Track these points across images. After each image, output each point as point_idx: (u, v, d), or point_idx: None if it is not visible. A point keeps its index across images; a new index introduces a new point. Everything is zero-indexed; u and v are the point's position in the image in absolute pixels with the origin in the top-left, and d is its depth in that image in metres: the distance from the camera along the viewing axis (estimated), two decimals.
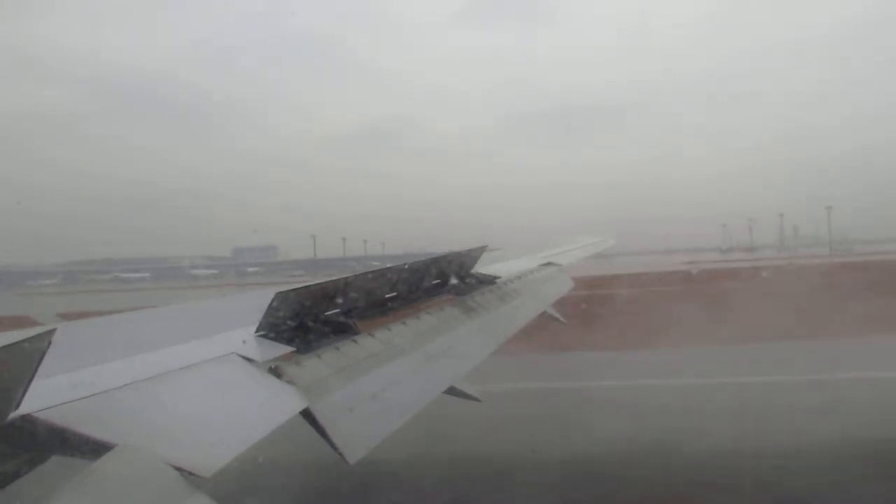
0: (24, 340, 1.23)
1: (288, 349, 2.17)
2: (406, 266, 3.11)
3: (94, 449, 1.30)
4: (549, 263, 6.01)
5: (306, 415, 1.86)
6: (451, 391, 2.78)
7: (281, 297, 2.17)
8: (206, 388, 1.77)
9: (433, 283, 3.58)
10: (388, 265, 3.02)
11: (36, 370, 1.28)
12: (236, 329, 2.15)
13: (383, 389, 2.26)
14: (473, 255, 3.95)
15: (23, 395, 1.29)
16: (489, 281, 4.12)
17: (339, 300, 2.55)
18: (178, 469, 1.33)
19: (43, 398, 1.36)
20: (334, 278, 2.55)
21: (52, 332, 1.29)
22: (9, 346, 1.19)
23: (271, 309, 2.15)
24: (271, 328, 2.19)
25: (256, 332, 2.15)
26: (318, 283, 2.45)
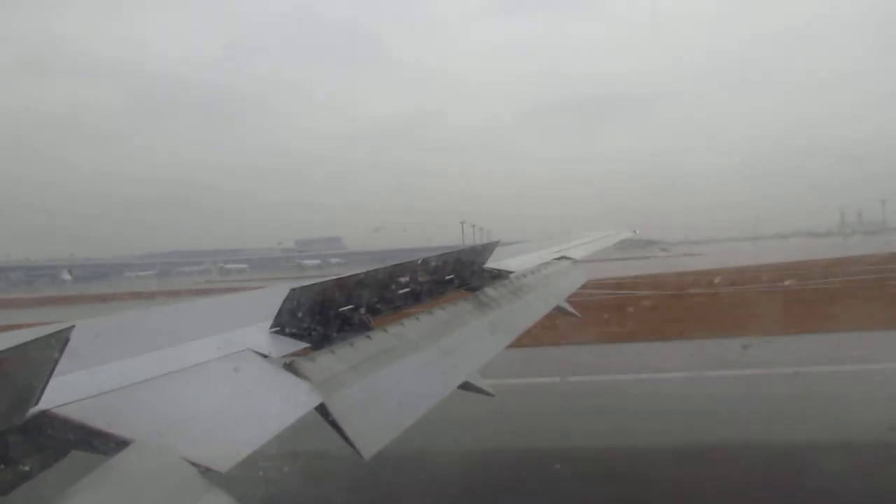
0: (42, 338, 1.25)
1: (302, 345, 2.18)
2: (419, 261, 3.11)
3: (112, 445, 1.31)
4: (562, 257, 5.99)
5: (321, 410, 1.86)
6: (465, 386, 2.78)
7: (295, 293, 2.18)
8: (222, 385, 1.78)
9: (446, 278, 3.57)
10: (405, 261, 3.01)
11: (54, 367, 1.30)
12: (251, 325, 2.16)
13: (397, 385, 2.27)
14: (486, 249, 3.95)
15: (41, 392, 1.30)
16: (502, 276, 4.11)
17: (353, 296, 2.55)
18: (195, 464, 1.34)
19: (61, 395, 1.38)
20: (347, 275, 2.55)
21: (69, 329, 1.30)
22: (28, 343, 1.20)
23: (286, 305, 2.16)
24: (286, 324, 2.20)
25: (271, 328, 2.16)
26: (331, 280, 2.45)
